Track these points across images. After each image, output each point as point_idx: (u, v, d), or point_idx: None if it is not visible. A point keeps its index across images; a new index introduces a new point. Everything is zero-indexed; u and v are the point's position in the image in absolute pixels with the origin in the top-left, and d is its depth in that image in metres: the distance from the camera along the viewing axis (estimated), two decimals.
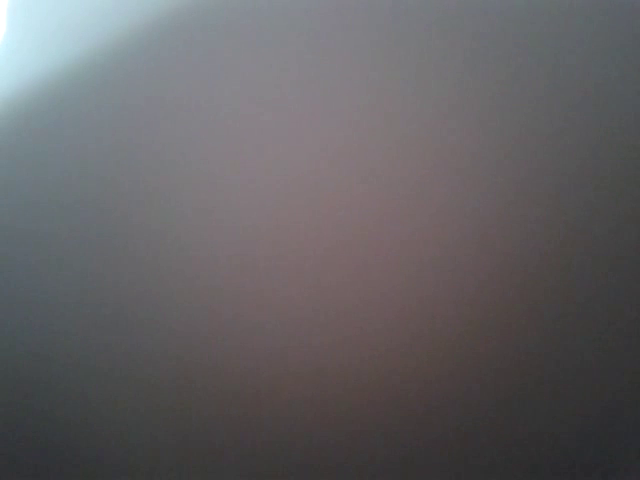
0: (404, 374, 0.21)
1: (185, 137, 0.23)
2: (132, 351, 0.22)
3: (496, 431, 0.21)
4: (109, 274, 0.22)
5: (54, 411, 0.23)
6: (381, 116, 0.22)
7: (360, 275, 0.22)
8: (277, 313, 0.22)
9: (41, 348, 0.23)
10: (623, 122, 0.22)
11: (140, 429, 0.22)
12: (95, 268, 0.23)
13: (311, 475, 0.22)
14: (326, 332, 0.22)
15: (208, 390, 0.22)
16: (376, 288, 0.22)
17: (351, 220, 0.22)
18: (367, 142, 0.22)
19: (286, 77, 0.23)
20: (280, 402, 0.22)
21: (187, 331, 0.22)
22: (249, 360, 0.22)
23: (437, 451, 0.22)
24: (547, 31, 0.22)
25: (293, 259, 0.22)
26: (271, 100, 0.22)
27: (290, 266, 0.22)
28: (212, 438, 0.22)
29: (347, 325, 0.22)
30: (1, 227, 0.23)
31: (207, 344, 0.22)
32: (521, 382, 0.21)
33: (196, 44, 0.23)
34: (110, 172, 0.23)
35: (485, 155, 0.22)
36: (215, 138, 0.23)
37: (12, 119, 0.24)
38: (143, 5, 0.24)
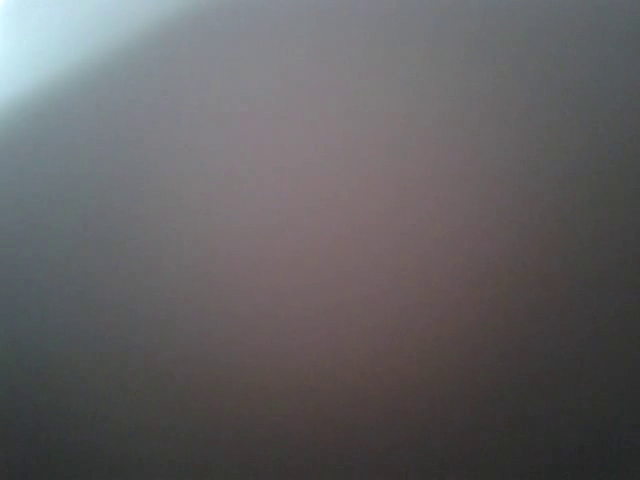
0: (404, 372, 0.21)
1: (183, 140, 0.23)
2: (133, 349, 0.22)
3: (495, 431, 0.21)
4: (110, 273, 0.22)
5: (54, 411, 0.23)
6: (381, 116, 0.22)
7: (360, 273, 0.22)
8: (277, 311, 0.22)
9: (42, 347, 0.23)
10: (626, 123, 0.22)
11: (140, 428, 0.22)
12: (96, 268, 0.23)
13: (311, 475, 0.22)
14: (326, 330, 0.22)
15: (208, 388, 0.22)
16: (376, 286, 0.22)
17: (351, 219, 0.22)
18: (367, 142, 0.22)
19: (286, 78, 0.23)
20: (280, 401, 0.22)
21: (188, 329, 0.22)
22: (250, 358, 0.22)
23: (437, 451, 0.22)
24: (548, 31, 0.22)
25: (293, 257, 0.22)
26: (272, 101, 0.22)
27: (290, 264, 0.22)
28: (212, 437, 0.22)
29: (347, 323, 0.22)
30: None
31: (208, 341, 0.22)
32: (521, 382, 0.21)
33: (194, 48, 0.23)
34: (108, 176, 0.23)
35: (485, 155, 0.22)
36: (215, 138, 0.23)
37: (7, 125, 0.24)
38: (137, 10, 0.24)
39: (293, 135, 0.22)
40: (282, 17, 0.23)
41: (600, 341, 0.21)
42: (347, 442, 0.22)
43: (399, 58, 0.22)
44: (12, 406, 0.23)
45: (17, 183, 0.24)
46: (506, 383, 0.21)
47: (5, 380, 0.23)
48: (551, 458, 0.21)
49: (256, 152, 0.22)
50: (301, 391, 0.22)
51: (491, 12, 0.22)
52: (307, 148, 0.22)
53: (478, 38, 0.22)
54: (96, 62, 0.24)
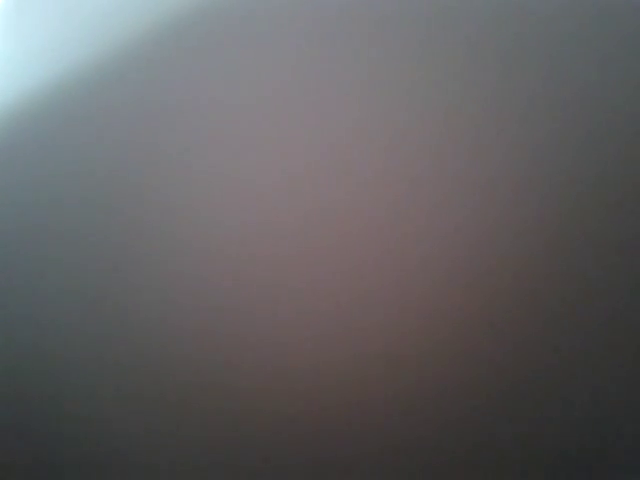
0: (405, 373, 0.21)
1: (185, 141, 0.23)
2: (133, 351, 0.22)
3: (495, 431, 0.21)
4: (110, 275, 0.22)
5: (54, 412, 0.23)
6: (380, 116, 0.22)
7: (360, 275, 0.22)
8: (278, 313, 0.22)
9: (42, 350, 0.23)
10: (625, 123, 0.22)
11: (142, 430, 0.22)
12: (97, 270, 0.23)
13: (311, 475, 0.22)
14: (326, 332, 0.22)
15: (209, 390, 0.22)
16: (376, 288, 0.22)
17: (352, 220, 0.22)
18: (366, 142, 0.22)
19: (286, 79, 0.23)
20: (280, 402, 0.22)
21: (188, 331, 0.22)
22: (251, 359, 0.22)
23: (438, 451, 0.22)
24: (549, 31, 0.22)
25: (294, 259, 0.22)
26: (272, 102, 0.22)
27: (291, 266, 0.22)
28: (212, 438, 0.22)
29: (347, 325, 0.22)
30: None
31: (208, 343, 0.22)
32: (521, 382, 0.21)
33: (196, 48, 0.23)
34: (108, 176, 0.23)
35: (485, 155, 0.22)
36: (216, 140, 0.23)
37: (7, 125, 0.24)
38: (138, 11, 0.24)
39: (294, 136, 0.22)
40: (283, 18, 0.23)
41: (600, 341, 0.21)
42: (347, 442, 0.22)
43: (399, 59, 0.22)
44: (12, 406, 0.23)
45: (17, 183, 0.24)
46: (506, 384, 0.21)
47: (5, 380, 0.23)
48: (551, 458, 0.21)
49: (257, 153, 0.22)
50: (301, 391, 0.22)
51: (492, 12, 0.22)
52: (308, 149, 0.22)
53: (478, 39, 0.22)
54: (96, 62, 0.24)
